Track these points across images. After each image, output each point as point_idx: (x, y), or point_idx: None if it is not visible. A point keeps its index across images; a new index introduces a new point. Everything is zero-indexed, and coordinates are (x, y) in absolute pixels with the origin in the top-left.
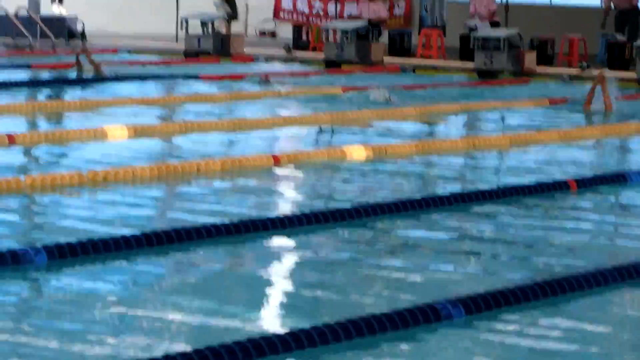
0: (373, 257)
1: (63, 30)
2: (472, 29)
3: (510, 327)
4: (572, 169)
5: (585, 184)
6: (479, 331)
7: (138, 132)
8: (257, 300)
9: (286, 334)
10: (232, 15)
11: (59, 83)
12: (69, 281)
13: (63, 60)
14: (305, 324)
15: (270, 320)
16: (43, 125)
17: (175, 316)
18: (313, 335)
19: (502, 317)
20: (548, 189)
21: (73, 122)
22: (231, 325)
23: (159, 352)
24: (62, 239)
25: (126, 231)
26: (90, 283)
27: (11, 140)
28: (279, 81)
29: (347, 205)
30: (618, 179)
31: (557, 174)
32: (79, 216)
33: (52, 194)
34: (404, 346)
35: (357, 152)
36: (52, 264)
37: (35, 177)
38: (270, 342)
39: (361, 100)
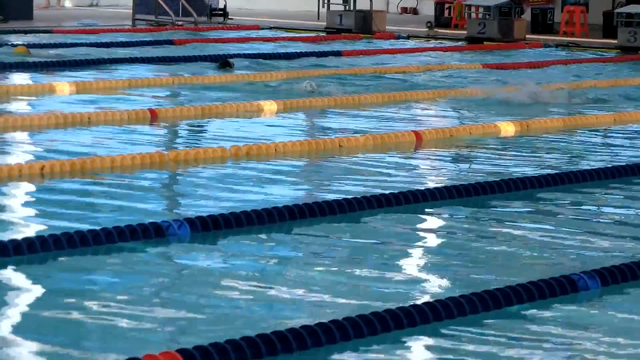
0: (512, 229)
1: (205, 8)
2: None
3: None
4: None
5: None
6: (615, 303)
7: (287, 107)
8: (400, 270)
9: (436, 301)
10: None
11: (202, 59)
12: (212, 253)
13: (205, 37)
14: (448, 294)
15: (422, 289)
16: (189, 100)
17: (319, 287)
18: (462, 304)
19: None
20: None
21: (216, 97)
22: (381, 295)
23: (305, 321)
24: (205, 212)
25: (268, 204)
26: (233, 255)
27: (154, 115)
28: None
29: (488, 179)
30: None
31: None
32: (221, 190)
33: (195, 168)
34: (541, 317)
35: (501, 128)
36: (194, 237)
37: (179, 151)
38: (420, 310)
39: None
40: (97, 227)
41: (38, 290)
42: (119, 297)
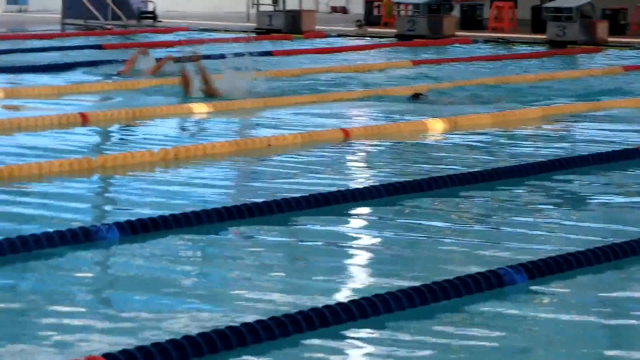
0: (440, 226)
1: (134, 11)
2: None
3: (570, 292)
4: None
5: None
6: (542, 296)
7: (216, 108)
8: (328, 269)
9: (371, 297)
10: None
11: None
12: (141, 257)
13: (135, 40)
14: (377, 291)
15: (349, 287)
16: (119, 104)
17: (251, 287)
18: (388, 301)
19: (565, 281)
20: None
21: (146, 101)
22: (303, 297)
23: (239, 320)
24: (134, 216)
25: (197, 207)
26: (162, 258)
27: (85, 118)
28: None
29: (416, 177)
30: None
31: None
32: (150, 193)
33: (123, 172)
34: (468, 312)
35: (430, 125)
36: (123, 240)
37: (107, 156)
38: (345, 308)
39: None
40: (26, 234)
41: None
42: (48, 302)
